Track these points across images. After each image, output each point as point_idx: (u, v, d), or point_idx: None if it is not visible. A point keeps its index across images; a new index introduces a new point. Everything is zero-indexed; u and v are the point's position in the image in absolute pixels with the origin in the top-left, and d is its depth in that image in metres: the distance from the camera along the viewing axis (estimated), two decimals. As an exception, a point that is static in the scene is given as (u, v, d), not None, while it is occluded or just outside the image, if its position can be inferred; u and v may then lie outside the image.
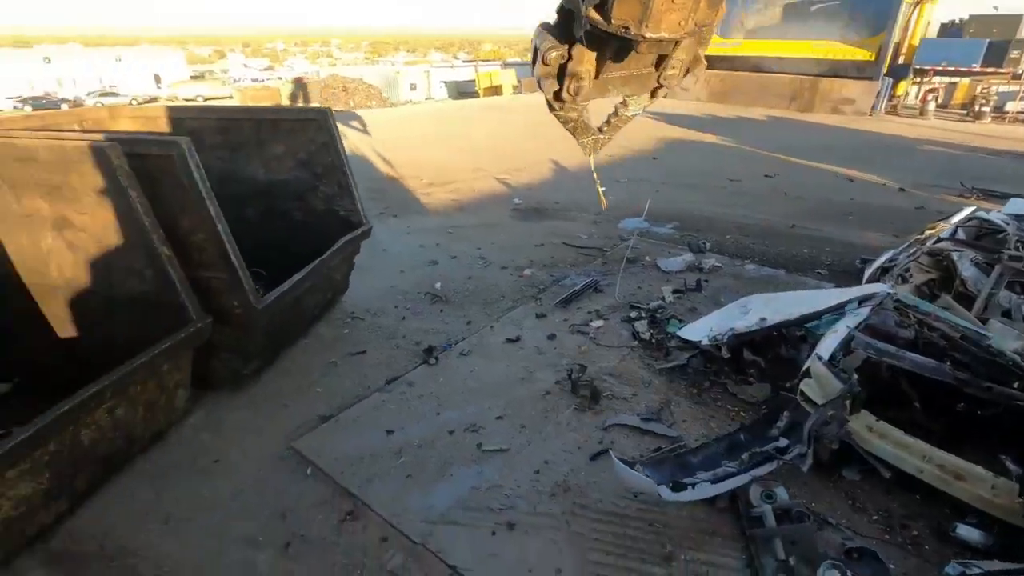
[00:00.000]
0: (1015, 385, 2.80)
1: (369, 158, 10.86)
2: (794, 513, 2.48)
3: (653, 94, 1.96)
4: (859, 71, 18.38)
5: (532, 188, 8.77)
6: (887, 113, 18.62)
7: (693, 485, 2.49)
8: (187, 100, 43.25)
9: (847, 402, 2.78)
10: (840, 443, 2.85)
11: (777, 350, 3.79)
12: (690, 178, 9.46)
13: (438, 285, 5.13)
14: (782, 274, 5.41)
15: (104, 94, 53.37)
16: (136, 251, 2.85)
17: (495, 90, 33.03)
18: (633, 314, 4.48)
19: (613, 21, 1.56)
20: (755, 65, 21.03)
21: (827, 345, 3.11)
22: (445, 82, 42.28)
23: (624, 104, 2.06)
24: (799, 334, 3.84)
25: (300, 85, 32.04)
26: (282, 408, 3.45)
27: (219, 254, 3.05)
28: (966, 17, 20.30)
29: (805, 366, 3.11)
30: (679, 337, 4.04)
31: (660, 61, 1.75)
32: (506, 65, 42.35)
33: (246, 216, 4.57)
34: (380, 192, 8.44)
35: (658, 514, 2.62)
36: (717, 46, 21.39)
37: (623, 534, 2.54)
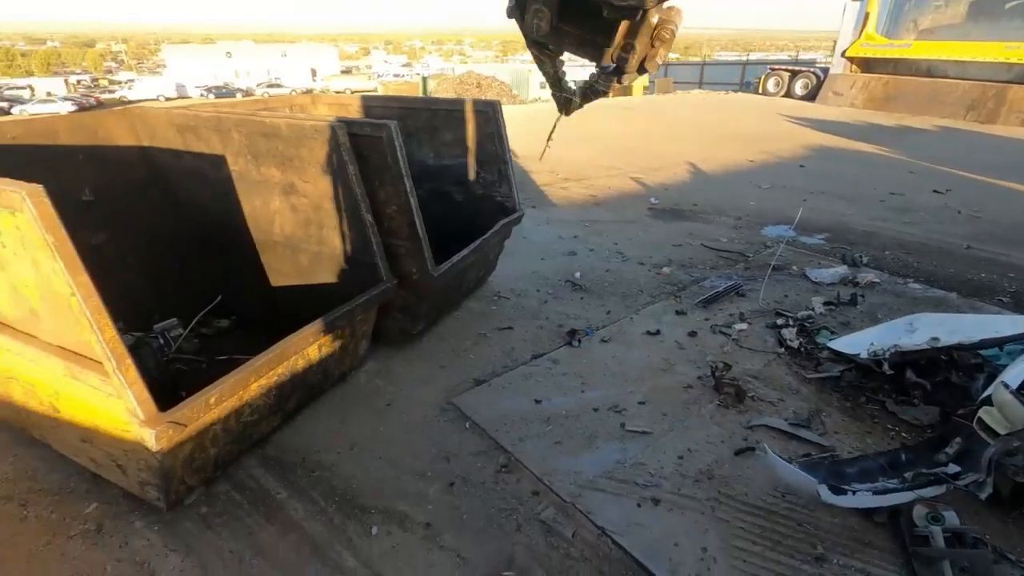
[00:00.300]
0: None
1: (506, 151, 11.33)
2: (968, 538, 2.36)
3: (619, 77, 2.18)
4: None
5: (668, 188, 8.68)
6: (1097, 127, 15.84)
7: (853, 492, 2.45)
8: (337, 92, 47.50)
9: None
10: (1025, 477, 2.64)
11: (946, 375, 3.53)
12: (842, 188, 8.80)
13: (578, 274, 5.33)
14: (953, 297, 4.94)
15: (270, 85, 60.15)
16: (345, 216, 3.35)
17: (625, 90, 32.62)
18: (779, 321, 4.36)
19: None
20: (926, 69, 18.88)
21: (1016, 373, 2.87)
22: (576, 81, 42.38)
23: (597, 79, 2.31)
24: (974, 361, 3.56)
25: (432, 80, 33.85)
26: (440, 368, 3.84)
27: (407, 225, 3.47)
28: None
29: (986, 393, 2.89)
30: (831, 349, 3.89)
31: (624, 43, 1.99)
32: (638, 65, 41.63)
33: (417, 196, 5.09)
34: (518, 183, 8.80)
35: (807, 515, 2.61)
36: (881, 48, 19.50)
37: (771, 528, 2.56)
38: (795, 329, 4.19)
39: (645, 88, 33.44)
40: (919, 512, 2.54)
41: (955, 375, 3.53)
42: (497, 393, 3.55)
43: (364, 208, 3.27)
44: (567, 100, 2.89)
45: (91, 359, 2.17)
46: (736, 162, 10.67)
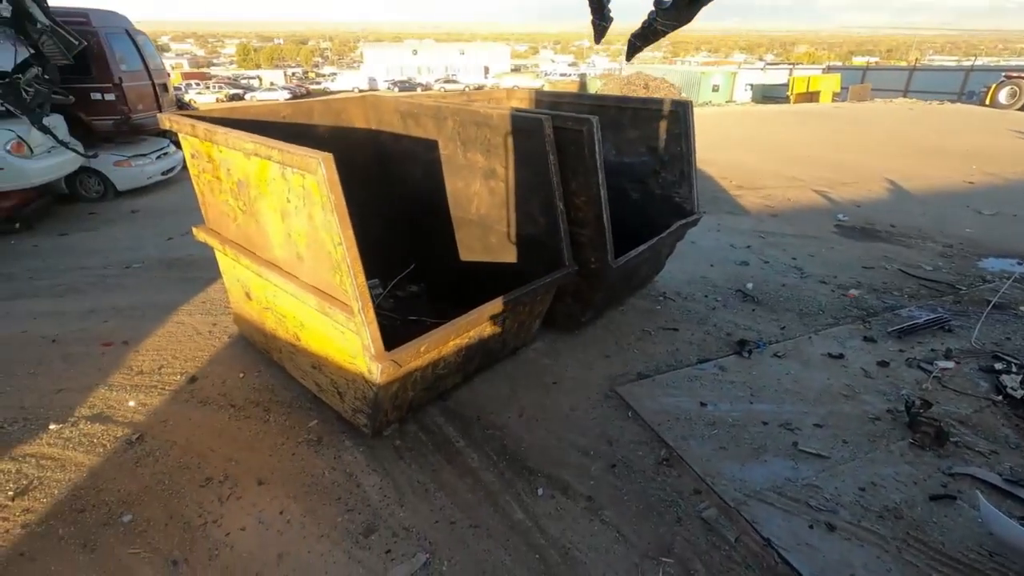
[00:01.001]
0: None
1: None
2: None
3: (674, 11, 2.50)
4: None
5: (860, 205, 7.84)
6: None
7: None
8: (506, 88, 49.59)
9: None
10: None
11: None
12: (1096, 223, 7.24)
13: (750, 285, 5.10)
14: None
15: (447, 81, 64.78)
16: (538, 203, 3.60)
17: (810, 96, 29.82)
18: (998, 365, 3.79)
19: None
20: None
21: None
22: (751, 85, 39.74)
23: (656, 15, 2.46)
24: None
25: (604, 80, 33.77)
26: (604, 357, 3.97)
27: (595, 216, 3.63)
28: None
29: None
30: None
31: None
32: (829, 69, 37.69)
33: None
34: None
35: (1022, 581, 2.29)
36: None
37: (971, 585, 2.30)
38: (1020, 377, 3.62)
39: (835, 94, 30.23)
40: None
41: None
42: (661, 389, 3.58)
43: (557, 196, 3.49)
44: (603, 29, 3.18)
45: (340, 300, 2.64)
46: (950, 182, 9.27)
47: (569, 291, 4.04)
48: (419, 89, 56.45)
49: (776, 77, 39.29)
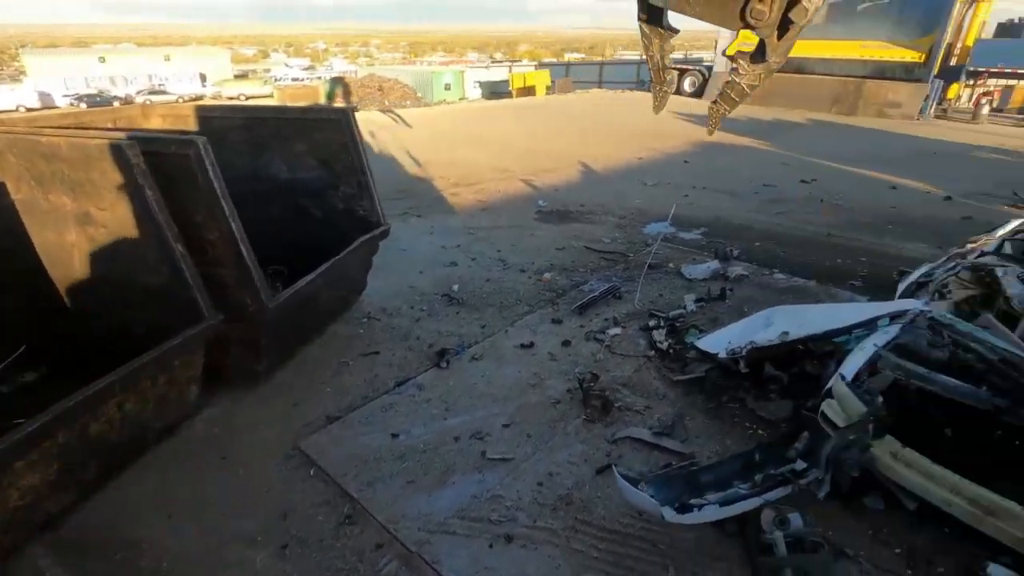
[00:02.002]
0: (1060, 415, 2.58)
1: (398, 157, 10.95)
2: (808, 542, 2.34)
3: (761, 56, 1.75)
4: (907, 73, 17.62)
5: (559, 190, 8.67)
6: (936, 117, 17.80)
7: (699, 507, 2.39)
8: (230, 98, 44.60)
9: (870, 426, 2.62)
10: (863, 470, 2.70)
11: (802, 365, 3.62)
12: (722, 183, 9.20)
13: (455, 287, 5.10)
14: (812, 285, 5.19)
15: (153, 92, 55.52)
16: (152, 247, 2.90)
17: (528, 91, 32.99)
18: (652, 322, 4.36)
19: None
20: (797, 66, 20.34)
21: (852, 365, 2.94)
22: (479, 82, 42.40)
23: (737, 71, 1.87)
24: (827, 349, 3.66)
25: (339, 83, 32.54)
26: (292, 407, 3.47)
27: (232, 252, 3.07)
28: (1027, 17, 19.24)
29: (827, 386, 2.94)
30: (697, 348, 3.90)
31: None
32: (541, 65, 42.26)
33: (271, 213, 4.65)
34: (406, 191, 8.48)
35: (662, 534, 2.52)
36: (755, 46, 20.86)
37: (624, 554, 2.45)
38: (665, 330, 4.19)
39: (548, 88, 33.98)
40: (767, 517, 2.51)
41: (809, 365, 3.62)
42: (351, 430, 3.24)
43: (172, 237, 2.84)
44: (664, 95, 2.42)
45: None
46: (626, 160, 10.90)
47: (235, 340, 3.43)
48: (116, 103, 47.18)
49: (499, 74, 42.62)
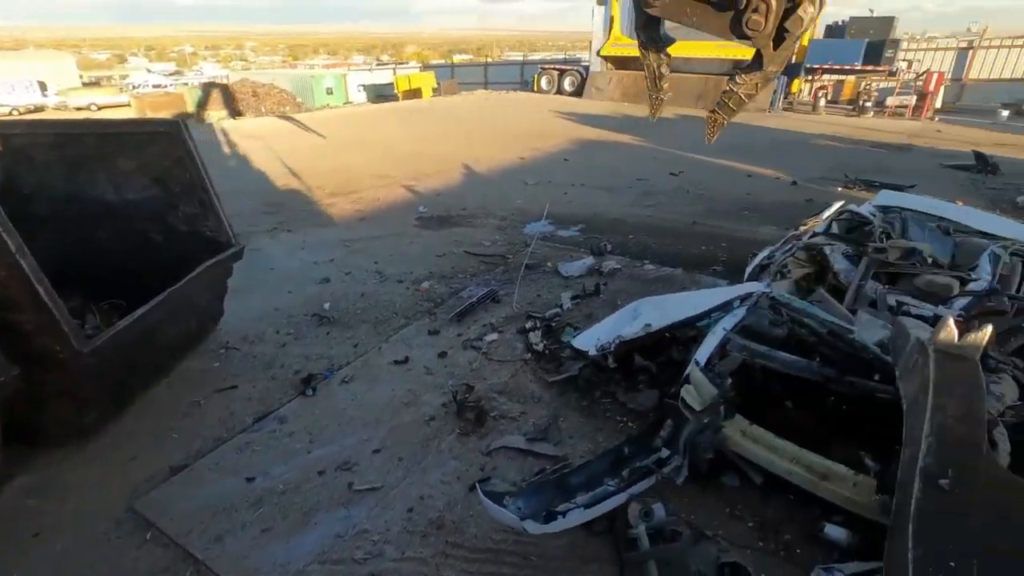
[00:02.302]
0: (875, 377, 2.86)
1: (270, 168, 10.27)
2: (667, 531, 2.41)
3: (758, 65, 1.79)
4: (759, 70, 19.41)
5: (441, 194, 8.53)
6: (784, 109, 19.79)
7: (564, 513, 2.37)
8: (78, 108, 39.73)
9: (721, 408, 2.75)
10: (717, 451, 2.84)
11: (668, 353, 3.77)
12: (599, 179, 9.54)
13: (327, 305, 4.80)
14: (679, 273, 5.48)
15: (-28, 104, 48.14)
16: (-89, 297, 2.40)
17: (414, 93, 32.50)
18: (528, 324, 4.35)
19: None
20: (665, 65, 21.78)
21: (704, 349, 3.09)
22: (363, 85, 41.11)
23: (735, 81, 1.91)
24: (691, 334, 3.83)
25: (214, 89, 29.90)
26: (129, 461, 3.05)
27: (27, 293, 2.62)
28: (847, 19, 21.93)
29: (685, 372, 3.07)
30: (571, 346, 3.95)
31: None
32: (426, 67, 41.82)
33: (100, 240, 4.11)
34: (277, 205, 7.95)
35: (534, 546, 2.48)
36: (627, 47, 22.01)
37: (496, 572, 2.37)
38: (541, 331, 4.21)
39: (434, 89, 33.67)
40: (634, 510, 2.56)
41: (675, 351, 3.78)
42: (198, 480, 2.90)
43: (-64, 283, 2.37)
44: (660, 101, 2.28)
45: None
46: (510, 160, 11.00)
47: (52, 394, 2.95)
48: (-71, 118, 40.19)
49: (384, 76, 41.59)
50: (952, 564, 1.90)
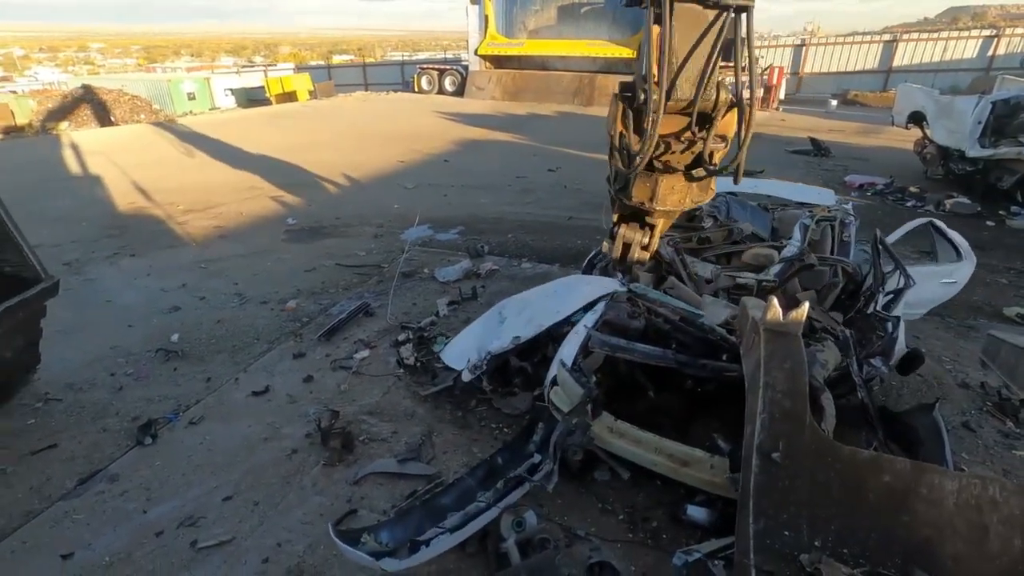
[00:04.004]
0: (723, 358, 3.02)
1: (116, 185, 9.15)
2: (536, 540, 2.37)
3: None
4: (627, 67, 20.42)
5: (313, 204, 8.05)
6: (653, 104, 21.02)
7: (428, 542, 2.24)
8: None
9: (589, 407, 2.76)
10: (587, 451, 2.86)
11: (544, 351, 3.75)
12: (480, 179, 9.51)
13: (175, 337, 4.30)
14: (556, 269, 5.55)
15: None
16: None
17: (288, 96, 30.71)
18: (402, 336, 4.18)
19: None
20: (541, 63, 22.29)
21: (568, 349, 3.09)
22: (232, 89, 38.13)
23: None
24: (566, 331, 3.84)
25: (57, 96, 26.01)
26: (-96, 558, 2.50)
27: None
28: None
29: (552, 374, 3.06)
30: (443, 362, 3.83)
31: None
32: (300, 69, 39.67)
33: None
34: (121, 227, 7.06)
35: (404, 579, 2.33)
36: (503, 46, 22.29)
37: (361, 615, 2.20)
38: (413, 343, 4.05)
39: (311, 92, 32.02)
40: (506, 521, 2.48)
41: (551, 348, 3.77)
42: (-2, 568, 2.44)
43: None
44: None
45: None
46: (387, 164, 10.65)
47: None
48: None
49: (253, 79, 38.89)
50: (787, 533, 2.03)
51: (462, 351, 3.64)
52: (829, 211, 4.64)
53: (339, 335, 4.27)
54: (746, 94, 2.68)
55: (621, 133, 3.00)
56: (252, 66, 52.09)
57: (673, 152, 3.02)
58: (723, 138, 2.93)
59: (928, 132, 9.36)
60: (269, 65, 49.08)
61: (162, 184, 9.18)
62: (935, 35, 22.45)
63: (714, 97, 2.76)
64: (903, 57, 22.50)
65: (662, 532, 2.56)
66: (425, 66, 26.51)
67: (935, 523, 1.98)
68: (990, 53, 20.87)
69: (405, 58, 39.52)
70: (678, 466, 2.64)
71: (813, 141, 11.71)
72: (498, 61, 22.97)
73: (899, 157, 10.63)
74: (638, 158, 2.84)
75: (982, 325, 4.47)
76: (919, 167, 9.73)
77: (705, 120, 2.87)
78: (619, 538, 2.53)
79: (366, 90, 31.96)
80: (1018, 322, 4.66)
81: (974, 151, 8.00)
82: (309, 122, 16.98)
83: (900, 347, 2.87)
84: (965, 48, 21.49)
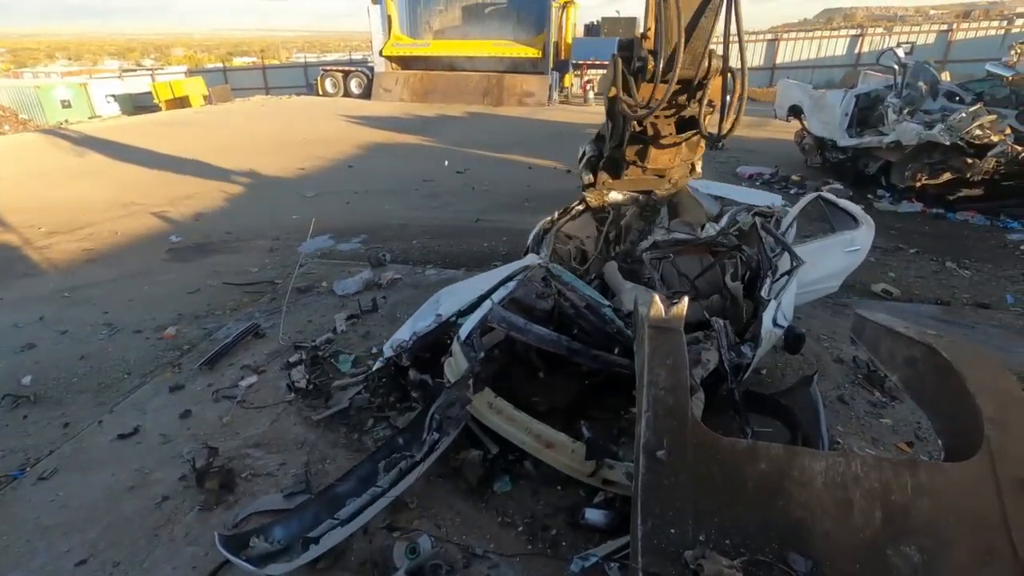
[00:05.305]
0: (616, 351, 3.03)
1: (-41, 208, 8.04)
2: (428, 568, 2.25)
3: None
4: (533, 67, 20.70)
5: (200, 218, 7.46)
6: (561, 103, 21.43)
7: (318, 539, 2.10)
8: None
9: (471, 382, 2.69)
10: (488, 460, 2.80)
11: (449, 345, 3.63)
12: (386, 183, 9.23)
13: (27, 380, 3.79)
14: (461, 274, 5.43)
15: None
16: None
17: (180, 102, 28.56)
18: (294, 358, 3.91)
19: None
20: (448, 64, 22.09)
21: (468, 324, 3.01)
22: (115, 96, 34.90)
23: None
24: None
25: None
26: None
27: None
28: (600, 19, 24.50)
29: (450, 347, 2.98)
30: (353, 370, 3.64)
31: None
32: (193, 72, 37.02)
33: None
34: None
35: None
36: (408, 47, 21.89)
37: None
38: (306, 363, 3.80)
39: (205, 97, 29.94)
40: (399, 549, 2.36)
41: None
42: None
43: None
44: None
45: None
46: (287, 172, 10.10)
47: None
48: None
49: (140, 84, 35.83)
50: (672, 531, 2.03)
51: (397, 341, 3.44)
52: (771, 208, 4.86)
53: (224, 361, 3.94)
54: (738, 66, 3.06)
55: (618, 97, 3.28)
56: (138, 70, 47.95)
57: (666, 117, 3.44)
58: (711, 104, 3.31)
59: (806, 124, 10.11)
60: (158, 69, 45.42)
61: (21, 204, 8.18)
62: (811, 34, 24.49)
63: (706, 65, 3.08)
64: (785, 55, 24.36)
65: (561, 540, 2.52)
66: (329, 68, 25.56)
67: (806, 504, 2.05)
68: (857, 50, 23.01)
69: (310, 60, 37.87)
70: (543, 447, 2.68)
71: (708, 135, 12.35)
72: (405, 62, 22.53)
73: (783, 148, 11.42)
74: (634, 122, 3.25)
75: (854, 303, 4.83)
76: (800, 157, 10.50)
77: (697, 87, 3.21)
78: (518, 551, 2.46)
79: (267, 94, 30.34)
80: (884, 296, 5.09)
81: (844, 141, 8.72)
82: (202, 129, 15.83)
83: (767, 328, 2.98)
84: (836, 46, 23.59)
